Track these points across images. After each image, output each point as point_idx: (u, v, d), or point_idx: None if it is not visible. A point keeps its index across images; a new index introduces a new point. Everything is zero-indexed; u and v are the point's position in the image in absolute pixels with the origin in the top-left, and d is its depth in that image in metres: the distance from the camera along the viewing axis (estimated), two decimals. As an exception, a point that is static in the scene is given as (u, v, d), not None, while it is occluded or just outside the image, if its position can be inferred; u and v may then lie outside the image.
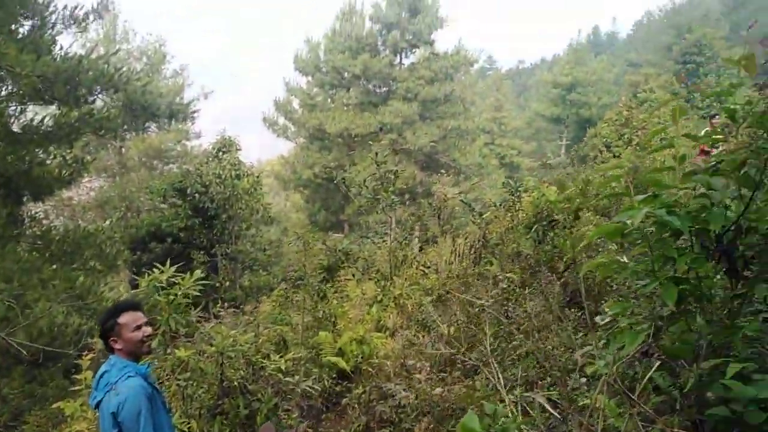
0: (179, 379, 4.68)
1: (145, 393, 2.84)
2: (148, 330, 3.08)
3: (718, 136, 2.44)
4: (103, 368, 2.98)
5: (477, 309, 5.14)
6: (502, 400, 2.70)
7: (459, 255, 9.02)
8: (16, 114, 11.50)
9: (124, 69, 13.62)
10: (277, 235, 22.14)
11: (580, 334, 4.07)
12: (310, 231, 20.36)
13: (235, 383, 4.82)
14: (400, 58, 28.89)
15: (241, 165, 17.59)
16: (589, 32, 76.01)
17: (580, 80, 41.51)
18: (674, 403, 2.14)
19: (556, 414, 2.65)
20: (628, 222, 2.19)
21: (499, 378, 2.85)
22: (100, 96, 13.04)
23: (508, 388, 2.86)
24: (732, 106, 2.37)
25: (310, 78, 29.76)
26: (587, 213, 7.44)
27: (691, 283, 2.29)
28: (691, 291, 2.30)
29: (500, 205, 9.84)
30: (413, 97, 27.04)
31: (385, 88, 28.81)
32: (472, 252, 8.71)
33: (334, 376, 6.21)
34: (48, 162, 11.85)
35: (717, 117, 10.06)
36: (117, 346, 2.99)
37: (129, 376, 2.87)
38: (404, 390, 3.97)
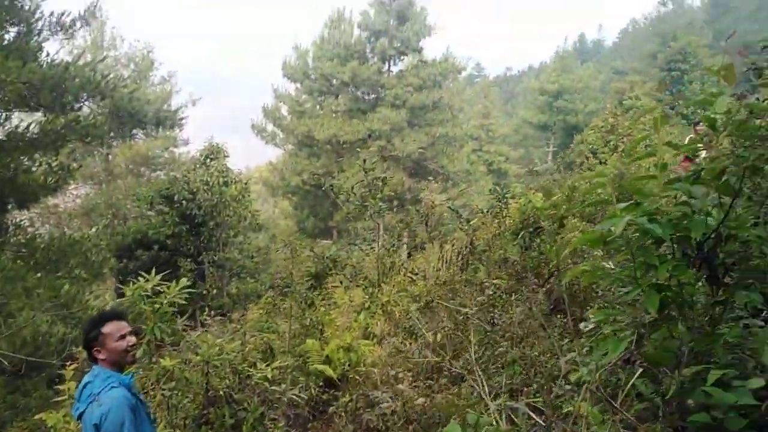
0: (164, 389, 4.64)
1: (128, 404, 2.82)
2: (133, 339, 3.05)
3: (698, 145, 2.47)
4: (86, 379, 2.95)
5: (462, 317, 5.15)
6: (487, 408, 2.71)
7: (446, 261, 9.04)
8: (2, 121, 11.39)
9: (111, 76, 13.56)
10: (265, 242, 22.03)
11: (566, 340, 4.09)
12: (299, 238, 20.32)
13: (221, 392, 4.79)
14: (389, 66, 28.99)
15: (228, 172, 17.51)
16: (576, 40, 76.67)
17: (566, 87, 41.84)
18: (656, 410, 2.16)
19: (540, 421, 2.66)
20: (611, 230, 2.22)
21: (483, 386, 2.85)
22: (86, 103, 12.95)
23: (492, 395, 2.87)
24: (712, 115, 2.40)
25: (298, 85, 29.79)
26: (573, 219, 7.49)
27: (673, 290, 2.31)
28: (673, 298, 2.32)
29: (487, 211, 9.88)
30: (402, 104, 27.13)
31: (373, 95, 28.88)
32: (459, 258, 8.73)
33: (321, 384, 6.18)
34: (33, 169, 11.74)
35: (701, 124, 10.18)
36: (100, 356, 2.96)
37: (112, 387, 2.84)
38: (390, 399, 3.95)
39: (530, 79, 54.26)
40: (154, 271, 4.88)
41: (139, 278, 4.87)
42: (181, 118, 20.85)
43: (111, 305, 12.36)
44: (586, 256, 5.89)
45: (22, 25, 11.93)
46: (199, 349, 4.88)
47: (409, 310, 6.85)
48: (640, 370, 2.29)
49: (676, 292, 2.31)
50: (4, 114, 11.46)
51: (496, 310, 5.14)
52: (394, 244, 11.31)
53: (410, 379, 4.64)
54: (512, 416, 2.68)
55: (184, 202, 15.94)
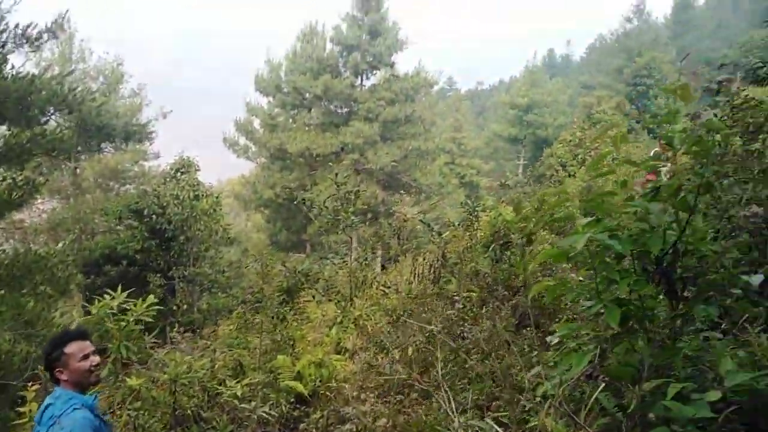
0: (130, 409, 4.54)
1: (91, 426, 2.75)
2: (96, 359, 2.99)
3: (657, 162, 2.54)
4: (47, 401, 2.87)
5: (428, 333, 5.16)
6: (453, 425, 2.72)
7: (419, 274, 9.07)
8: (-36, 135, 11.15)
9: (80, 89, 13.38)
10: (237, 255, 21.82)
11: (535, 353, 4.13)
12: (271, 251, 20.17)
13: (189, 411, 4.72)
14: (361, 80, 29.12)
15: (200, 185, 17.35)
16: (545, 54, 78.05)
17: (536, 102, 42.54)
18: (619, 424, 2.19)
19: (507, 436, 2.68)
20: (573, 245, 2.26)
21: (451, 402, 2.86)
22: (53, 116, 12.74)
23: (459, 411, 2.88)
24: (670, 134, 2.48)
25: (271, 98, 29.73)
26: (543, 232, 7.58)
27: (634, 304, 2.36)
28: (635, 312, 2.37)
29: (459, 224, 9.95)
30: (374, 117, 27.25)
31: (346, 109, 28.96)
32: (431, 271, 8.76)
33: (291, 400, 6.11)
34: (-3, 184, 11.48)
35: (664, 139, 10.43)
36: (63, 377, 2.89)
37: (75, 408, 2.78)
38: (357, 418, 3.93)
39: (501, 93, 55.08)
40: (120, 288, 4.80)
41: (107, 295, 4.78)
42: (151, 132, 20.59)
43: (76, 323, 12.07)
44: (554, 268, 5.97)
45: (-15, 37, 11.71)
46: (166, 367, 4.80)
47: (381, 324, 6.84)
48: (603, 384, 2.33)
49: (637, 307, 2.36)
50: (-33, 127, 11.22)
51: (466, 324, 5.16)
52: (367, 258, 11.31)
53: (378, 395, 4.61)
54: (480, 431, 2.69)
55: (153, 216, 15.73)
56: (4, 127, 11.98)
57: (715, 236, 3.15)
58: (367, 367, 5.80)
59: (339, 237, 14.99)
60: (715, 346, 2.38)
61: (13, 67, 11.69)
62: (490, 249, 7.64)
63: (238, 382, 5.30)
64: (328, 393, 6.03)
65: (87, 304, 5.61)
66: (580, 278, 2.92)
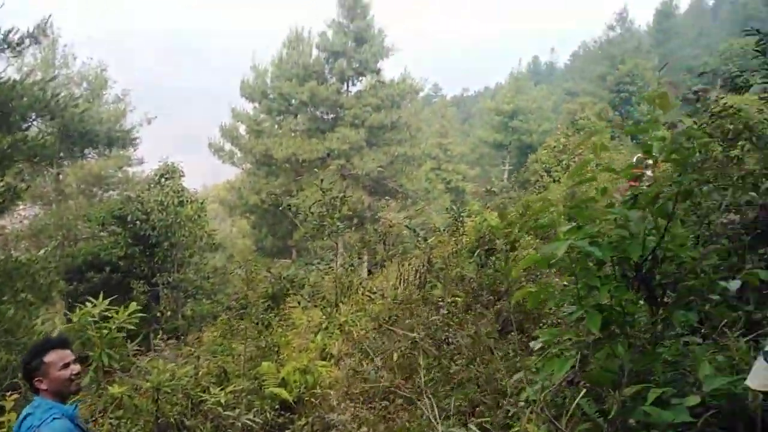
0: (112, 417, 4.49)
1: (71, 435, 2.72)
2: (77, 368, 2.95)
3: (636, 170, 2.57)
4: (26, 411, 2.83)
5: (411, 341, 5.16)
6: (435, 430, 2.72)
7: (404, 280, 9.07)
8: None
9: (62, 95, 13.25)
10: (222, 261, 21.67)
11: (518, 358, 4.14)
12: (257, 257, 20.06)
13: (172, 419, 4.67)
14: (347, 86, 29.14)
15: (184, 191, 17.23)
16: (530, 61, 78.67)
17: (521, 108, 42.80)
18: (600, 429, 2.21)
19: (490, 442, 2.68)
20: (554, 252, 2.28)
21: (434, 409, 2.87)
22: (35, 122, 12.60)
23: (442, 417, 2.89)
24: (649, 142, 2.51)
25: (256, 104, 29.63)
26: (527, 237, 7.62)
27: (614, 310, 2.39)
28: (615, 318, 2.39)
29: (444, 230, 9.98)
30: (360, 123, 27.27)
31: (332, 115, 28.94)
32: (417, 276, 8.77)
33: (276, 407, 6.08)
34: (-22, 190, 11.32)
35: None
36: (42, 386, 2.85)
37: (54, 419, 2.73)
38: (341, 425, 3.92)
39: (486, 99, 55.32)
40: (101, 295, 4.75)
41: (88, 302, 4.73)
42: (135, 138, 20.41)
43: (58, 331, 11.92)
44: (539, 273, 6.00)
45: (-35, 42, 11.58)
46: (149, 374, 4.76)
47: (366, 330, 6.84)
48: (584, 390, 2.35)
49: (618, 312, 2.38)
50: (-54, 133, 11.05)
51: (450, 330, 5.17)
52: (353, 264, 11.30)
53: (362, 402, 4.60)
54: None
55: (137, 222, 15.59)
56: (-16, 133, 11.81)
57: (695, 243, 3.18)
58: (352, 374, 5.79)
59: (325, 243, 14.97)
60: (694, 351, 2.41)
61: (-6, 72, 11.57)
62: (476, 254, 7.68)
63: (222, 389, 5.26)
64: (313, 399, 6.01)
65: (69, 312, 5.54)
66: (564, 283, 2.94)
